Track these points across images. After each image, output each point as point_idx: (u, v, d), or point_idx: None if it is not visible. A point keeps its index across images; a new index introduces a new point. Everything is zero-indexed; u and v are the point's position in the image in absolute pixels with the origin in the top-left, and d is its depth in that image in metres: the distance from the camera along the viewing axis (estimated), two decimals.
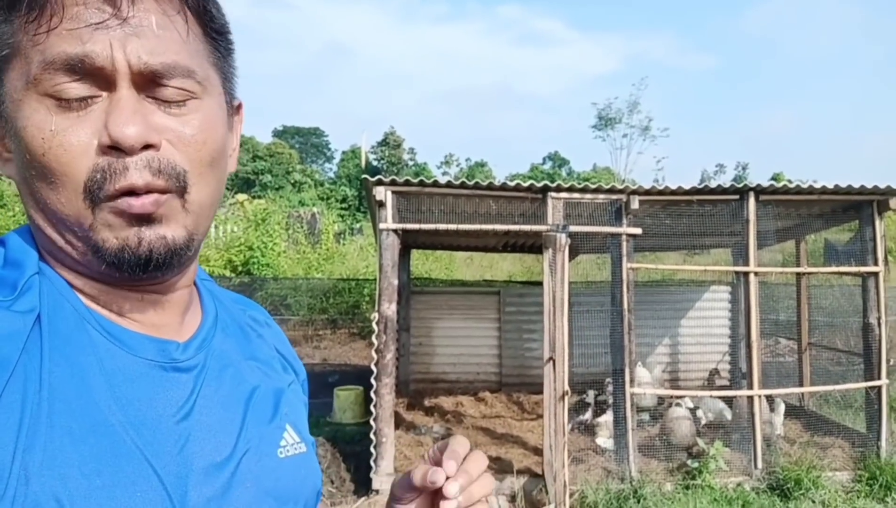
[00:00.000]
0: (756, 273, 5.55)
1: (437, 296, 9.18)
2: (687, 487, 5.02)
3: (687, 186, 5.40)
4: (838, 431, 6.10)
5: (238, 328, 0.77)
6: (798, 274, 6.93)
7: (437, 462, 0.67)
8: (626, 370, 5.28)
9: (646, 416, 6.75)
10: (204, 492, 0.59)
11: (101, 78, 0.56)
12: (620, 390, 5.30)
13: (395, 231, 5.22)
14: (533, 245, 8.26)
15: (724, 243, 8.25)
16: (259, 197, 24.65)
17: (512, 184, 5.33)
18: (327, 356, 11.64)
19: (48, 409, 0.53)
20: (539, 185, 5.34)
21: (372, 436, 5.07)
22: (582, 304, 6.27)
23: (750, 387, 5.47)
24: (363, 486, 5.19)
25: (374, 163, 46.21)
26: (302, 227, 17.97)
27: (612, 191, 5.39)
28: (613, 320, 5.41)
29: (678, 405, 6.08)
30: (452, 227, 5.44)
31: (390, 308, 5.15)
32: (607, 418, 5.97)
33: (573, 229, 5.14)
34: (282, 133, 53.00)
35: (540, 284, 5.39)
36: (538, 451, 5.60)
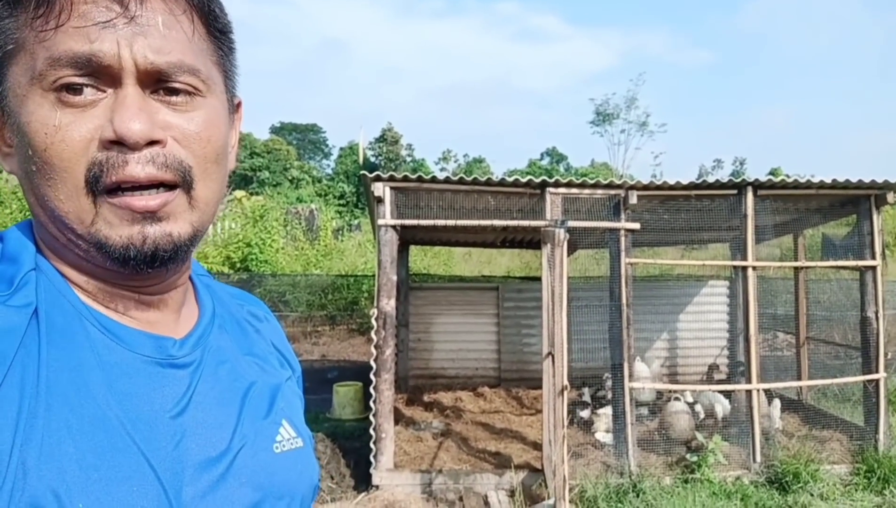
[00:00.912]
0: (754, 268, 5.55)
1: (436, 292, 9.19)
2: (686, 481, 5.04)
3: (685, 181, 5.41)
4: (836, 424, 6.12)
5: (235, 324, 0.77)
6: (796, 268, 6.94)
7: None
8: (625, 365, 5.29)
9: (644, 410, 6.76)
10: (199, 487, 0.60)
11: (108, 76, 0.56)
12: (619, 384, 5.31)
13: (393, 227, 5.22)
14: (531, 241, 8.27)
15: (723, 237, 8.26)
16: (257, 194, 24.62)
17: (510, 180, 5.33)
18: (326, 353, 11.65)
19: (46, 403, 0.53)
20: (537, 180, 5.34)
21: (371, 432, 5.08)
22: (580, 299, 6.28)
23: (748, 381, 5.48)
24: (363, 482, 5.20)
25: (372, 159, 46.14)
26: (300, 223, 17.95)
27: (610, 186, 5.39)
28: (612, 314, 5.42)
29: (677, 399, 6.10)
30: (451, 223, 5.43)
31: (389, 304, 5.15)
32: (606, 411, 5.98)
33: (572, 224, 5.14)
34: (279, 130, 52.88)
35: (538, 279, 5.40)
36: (537, 446, 5.62)
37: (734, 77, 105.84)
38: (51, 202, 0.57)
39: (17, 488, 0.49)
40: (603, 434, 5.91)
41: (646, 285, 9.16)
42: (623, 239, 5.36)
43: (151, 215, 0.58)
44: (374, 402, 5.08)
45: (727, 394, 6.43)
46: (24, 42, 0.56)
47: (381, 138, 47.77)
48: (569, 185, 5.39)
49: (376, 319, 5.13)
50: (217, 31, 0.64)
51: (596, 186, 5.40)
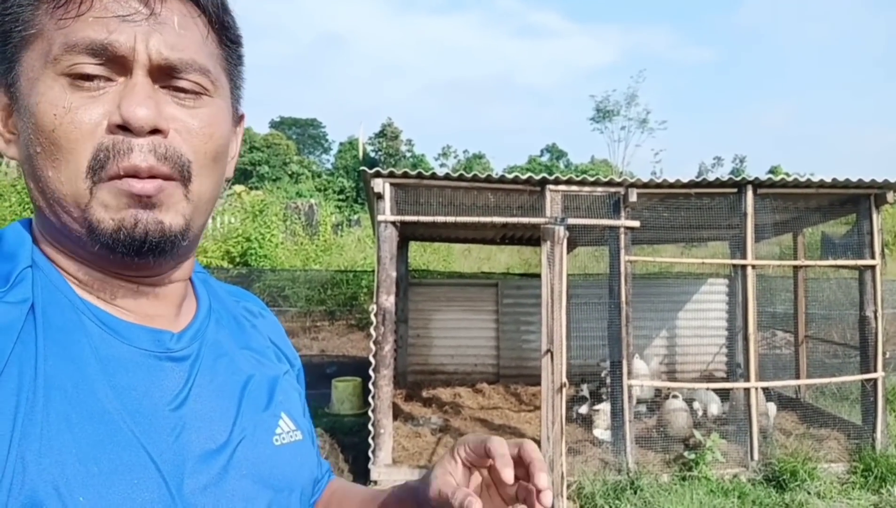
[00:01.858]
0: (753, 266, 5.56)
1: (435, 288, 9.19)
2: (683, 478, 5.05)
3: (685, 179, 5.41)
4: (834, 423, 6.13)
5: (232, 319, 0.77)
6: (795, 267, 6.95)
7: (475, 461, 0.68)
8: (624, 362, 5.30)
9: (643, 408, 6.78)
10: (200, 479, 0.60)
11: (120, 65, 0.58)
12: (618, 382, 5.32)
13: (393, 223, 5.21)
14: (531, 238, 8.26)
15: (722, 235, 8.26)
16: (256, 188, 24.61)
17: (510, 176, 5.33)
18: (325, 348, 11.66)
19: (44, 397, 0.53)
20: (537, 178, 5.33)
21: (370, 427, 5.09)
22: (580, 296, 6.29)
23: (747, 379, 5.49)
24: (361, 477, 5.21)
25: (372, 154, 46.09)
26: (299, 218, 17.94)
27: (610, 184, 5.39)
28: (611, 312, 5.42)
29: (675, 397, 6.11)
30: (451, 219, 5.43)
31: (388, 300, 5.15)
32: (605, 407, 5.99)
33: (571, 221, 5.14)
34: (279, 124, 52.83)
35: (537, 276, 5.40)
36: (536, 443, 5.63)
37: (734, 74, 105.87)
38: (51, 184, 0.58)
39: (16, 482, 0.50)
40: (601, 431, 5.92)
41: (645, 283, 9.17)
42: (623, 237, 5.36)
43: (146, 201, 0.58)
44: (373, 397, 5.08)
45: (725, 393, 6.44)
46: (42, 29, 0.58)
47: (381, 134, 47.72)
48: (569, 182, 5.38)
49: (375, 315, 5.13)
50: (228, 40, 0.66)
51: (596, 183, 5.39)
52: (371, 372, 5.10)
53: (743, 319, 5.62)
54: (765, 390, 6.04)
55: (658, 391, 6.90)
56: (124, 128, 0.57)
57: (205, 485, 0.60)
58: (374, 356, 5.09)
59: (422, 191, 5.54)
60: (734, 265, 6.26)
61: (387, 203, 5.19)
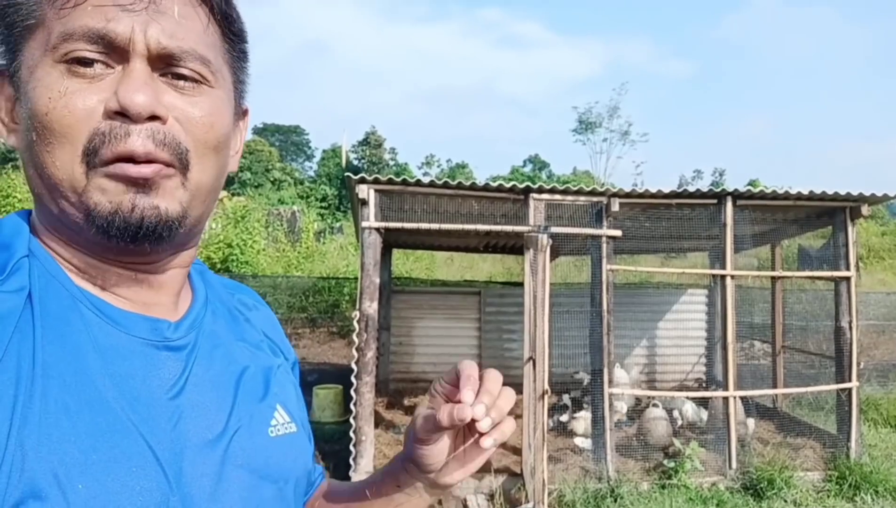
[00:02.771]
0: (732, 276, 5.64)
1: (418, 296, 9.19)
2: (663, 486, 5.09)
3: (666, 190, 5.48)
4: (810, 432, 6.22)
5: (227, 311, 0.77)
6: (773, 278, 7.06)
7: (451, 393, 0.68)
8: (605, 371, 5.33)
9: (624, 416, 6.82)
10: (198, 468, 0.60)
11: (119, 54, 0.58)
12: (599, 390, 5.35)
13: (377, 229, 5.21)
14: (513, 246, 8.31)
15: (702, 246, 8.37)
16: (238, 194, 24.45)
17: (495, 184, 5.36)
18: (306, 355, 11.58)
19: (42, 386, 0.53)
20: (521, 186, 5.37)
21: (352, 434, 5.06)
22: (562, 305, 6.32)
23: (725, 388, 5.56)
24: None
25: (355, 162, 46.01)
26: (282, 225, 17.85)
27: (593, 193, 5.45)
28: (593, 320, 5.46)
29: (655, 405, 6.16)
30: (434, 226, 5.45)
31: (371, 307, 5.14)
32: (585, 416, 6.02)
33: (554, 230, 5.18)
34: (262, 130, 52.53)
35: (520, 284, 5.43)
36: (517, 451, 5.63)
37: (714, 88, 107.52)
38: (47, 169, 0.58)
39: (15, 470, 0.49)
40: (582, 440, 5.95)
41: (626, 293, 9.24)
42: (605, 246, 5.41)
43: (143, 184, 0.58)
44: (355, 405, 5.06)
45: (703, 402, 6.51)
46: (43, 18, 0.58)
47: (365, 142, 47.67)
48: (552, 191, 5.43)
49: (358, 321, 5.12)
50: (232, 33, 0.66)
51: (579, 192, 5.45)
52: (353, 379, 5.08)
53: (722, 328, 5.69)
54: (745, 405, 6.11)
55: (638, 400, 6.95)
56: (122, 114, 0.57)
57: (202, 474, 0.60)
58: (357, 362, 5.07)
59: (406, 198, 5.55)
60: (713, 275, 6.34)
61: (371, 209, 5.19)
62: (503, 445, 6.18)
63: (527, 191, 5.36)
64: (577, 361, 6.24)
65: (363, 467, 5.03)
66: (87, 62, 0.57)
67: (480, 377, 0.69)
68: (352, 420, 5.08)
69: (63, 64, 0.57)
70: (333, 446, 6.13)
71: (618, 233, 5.45)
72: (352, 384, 5.09)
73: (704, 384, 8.55)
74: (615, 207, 5.37)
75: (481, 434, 0.67)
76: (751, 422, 6.19)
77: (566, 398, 7.07)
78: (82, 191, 0.57)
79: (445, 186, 5.32)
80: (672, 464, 5.26)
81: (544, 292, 4.78)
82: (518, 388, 5.58)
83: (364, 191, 5.15)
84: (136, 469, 0.55)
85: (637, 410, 6.69)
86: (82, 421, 0.54)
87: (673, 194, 5.51)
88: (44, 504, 0.50)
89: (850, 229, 5.75)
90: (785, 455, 5.46)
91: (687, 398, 6.66)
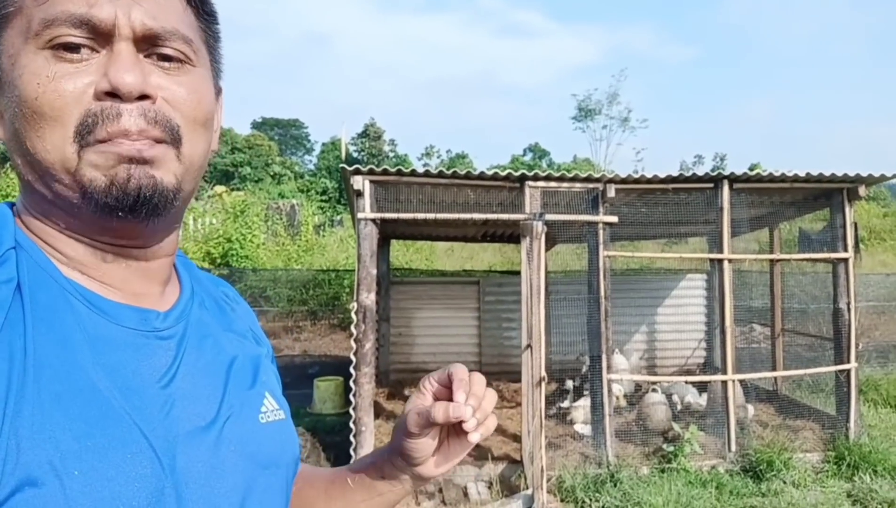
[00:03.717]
0: (730, 260, 5.64)
1: (417, 286, 9.20)
2: (663, 471, 5.11)
3: (663, 175, 5.47)
4: (809, 414, 6.24)
5: (213, 302, 0.78)
6: (771, 261, 7.06)
7: (439, 392, 0.75)
8: (604, 357, 5.34)
9: (623, 402, 6.84)
10: (191, 455, 0.61)
11: (103, 37, 0.58)
12: (598, 376, 5.36)
13: (373, 221, 5.22)
14: (512, 235, 8.30)
15: (700, 231, 8.36)
16: (238, 189, 24.42)
17: (490, 173, 5.35)
18: (307, 348, 11.62)
19: (34, 376, 0.53)
20: (517, 174, 5.36)
21: (352, 426, 5.09)
22: (560, 292, 6.34)
23: (724, 372, 5.57)
24: None
25: (355, 154, 45.91)
26: (281, 219, 17.86)
27: (588, 179, 5.44)
28: (590, 307, 5.47)
29: (654, 390, 6.18)
30: (430, 216, 5.45)
31: (369, 298, 5.15)
32: (584, 403, 6.04)
33: (549, 217, 5.18)
34: (261, 125, 52.44)
35: (519, 273, 5.43)
36: (517, 438, 5.66)
37: (716, 72, 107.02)
38: (38, 154, 0.58)
39: (10, 460, 0.50)
40: (581, 426, 5.97)
41: (625, 279, 9.25)
42: (601, 232, 5.41)
43: (138, 158, 0.58)
44: (355, 396, 5.08)
45: (703, 385, 6.52)
46: (21, 6, 0.58)
47: (364, 134, 47.56)
48: (548, 178, 5.42)
49: (356, 312, 5.13)
50: (206, 13, 0.67)
51: (574, 179, 5.44)
52: (352, 370, 5.10)
53: (720, 312, 5.70)
54: (744, 390, 6.12)
55: (638, 385, 6.97)
56: (112, 95, 0.57)
57: (196, 460, 0.61)
58: (355, 353, 5.09)
59: (402, 188, 5.55)
60: (711, 260, 6.34)
61: (367, 201, 5.19)
62: (503, 432, 6.21)
63: (522, 179, 5.35)
64: (576, 348, 6.26)
65: None
66: (73, 47, 0.57)
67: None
68: (352, 412, 5.10)
69: (48, 50, 0.57)
70: (334, 437, 6.16)
71: (614, 219, 5.44)
72: (352, 375, 5.11)
73: (704, 369, 8.56)
74: (611, 193, 5.36)
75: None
76: (750, 408, 6.21)
77: (569, 384, 7.08)
78: (75, 170, 0.58)
79: (441, 175, 5.31)
80: (671, 448, 5.28)
81: (540, 278, 4.79)
82: (518, 377, 5.61)
83: (359, 182, 5.14)
84: (131, 455, 0.56)
85: (637, 395, 6.72)
86: (76, 410, 0.54)
87: (669, 179, 5.49)
88: (40, 491, 0.50)
89: (847, 210, 5.74)
90: (784, 437, 5.48)
91: (686, 382, 6.67)
